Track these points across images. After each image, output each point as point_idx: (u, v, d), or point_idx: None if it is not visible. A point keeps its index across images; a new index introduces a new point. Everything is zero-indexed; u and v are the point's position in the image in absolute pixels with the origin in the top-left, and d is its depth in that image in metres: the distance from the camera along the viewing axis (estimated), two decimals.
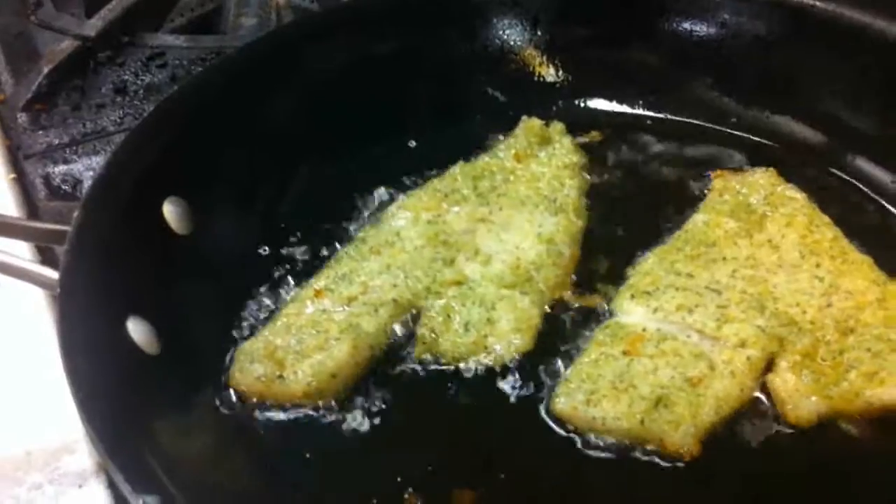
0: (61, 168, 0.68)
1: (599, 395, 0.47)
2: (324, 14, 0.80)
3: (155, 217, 0.54)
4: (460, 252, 0.56)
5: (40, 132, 0.72)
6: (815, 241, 0.55)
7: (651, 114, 0.67)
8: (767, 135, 0.65)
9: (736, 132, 0.65)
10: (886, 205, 0.60)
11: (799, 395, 0.48)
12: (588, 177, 0.63)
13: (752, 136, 0.65)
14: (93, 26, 0.79)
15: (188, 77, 0.75)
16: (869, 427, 0.48)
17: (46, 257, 0.60)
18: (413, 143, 0.65)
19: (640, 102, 0.67)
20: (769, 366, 0.50)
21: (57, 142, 0.71)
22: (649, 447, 0.47)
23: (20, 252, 0.57)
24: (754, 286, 0.53)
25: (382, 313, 0.53)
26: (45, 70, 0.76)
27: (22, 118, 0.74)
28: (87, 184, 0.69)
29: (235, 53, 0.67)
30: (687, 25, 0.65)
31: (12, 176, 0.68)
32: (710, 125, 0.66)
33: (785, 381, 0.48)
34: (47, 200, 0.65)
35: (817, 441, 0.48)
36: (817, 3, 0.63)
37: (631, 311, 0.52)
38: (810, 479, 0.46)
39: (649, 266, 0.55)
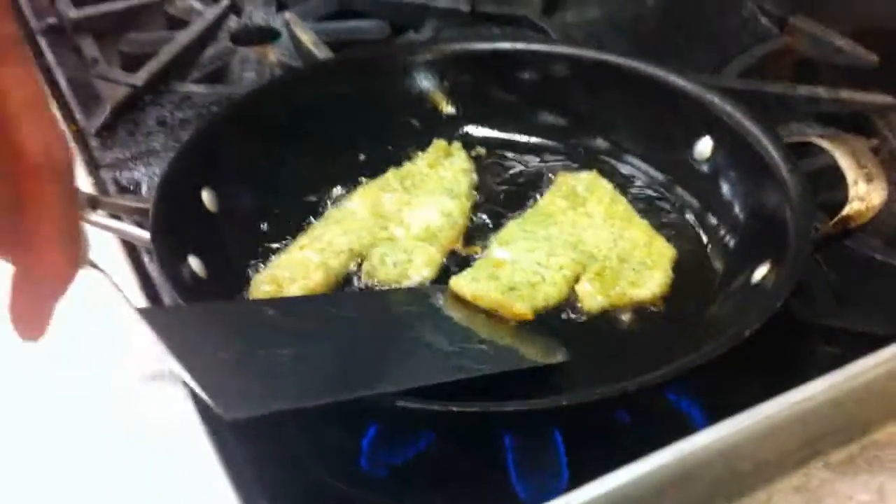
0: (126, 174, 0.88)
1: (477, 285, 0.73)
2: (304, 68, 1.02)
3: (198, 199, 0.75)
4: (391, 222, 0.80)
5: (108, 151, 0.91)
6: (614, 211, 0.81)
7: (517, 136, 0.90)
8: (592, 149, 0.88)
9: (574, 147, 0.88)
10: (661, 189, 0.84)
11: (591, 295, 0.73)
12: (476, 177, 0.87)
13: (583, 150, 0.88)
14: (140, 77, 0.98)
15: (209, 113, 0.95)
16: (633, 315, 0.73)
17: None
18: (362, 157, 0.87)
19: (510, 128, 0.90)
20: (577, 280, 0.75)
21: (120, 157, 0.90)
22: (502, 312, 0.71)
23: None
24: (572, 237, 0.78)
25: (342, 257, 0.76)
26: (108, 109, 0.94)
27: (94, 142, 0.92)
28: (144, 184, 0.86)
29: (244, 95, 0.87)
30: (526, 75, 0.88)
31: (92, 181, 0.85)
32: (554, 143, 0.89)
33: (584, 288, 0.74)
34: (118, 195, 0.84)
35: (602, 322, 0.72)
36: (611, 57, 0.85)
37: (497, 253, 0.77)
38: (596, 345, 0.70)
39: (509, 228, 0.80)
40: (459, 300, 0.73)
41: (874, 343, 0.57)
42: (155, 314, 0.49)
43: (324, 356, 0.55)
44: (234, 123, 0.82)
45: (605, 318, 0.73)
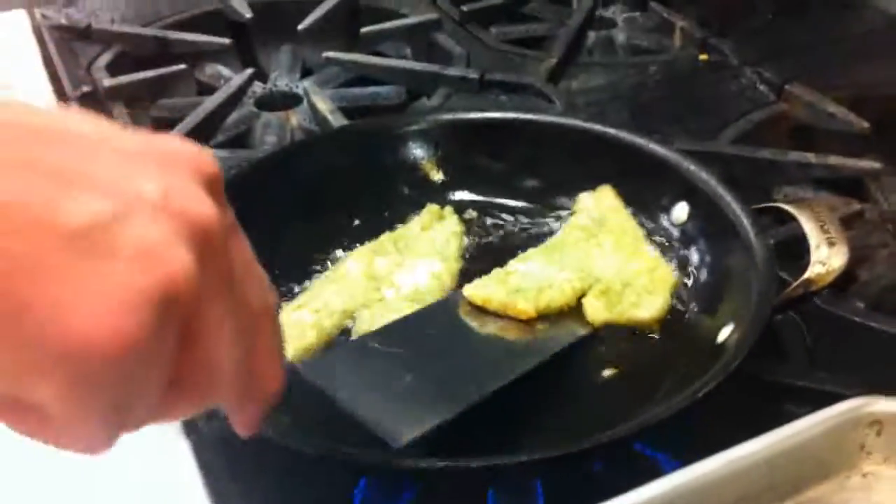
0: None
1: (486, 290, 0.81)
2: (314, 137, 1.09)
3: None
4: (383, 283, 0.85)
5: None
6: (624, 241, 0.86)
7: (502, 200, 0.94)
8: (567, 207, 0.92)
9: (555, 209, 0.93)
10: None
11: (596, 311, 0.79)
12: (466, 239, 0.91)
13: (567, 212, 0.92)
14: None
15: (228, 175, 1.00)
16: (630, 331, 0.78)
17: None
18: (357, 222, 0.92)
19: (496, 193, 0.94)
20: (583, 294, 0.80)
21: None
22: (508, 312, 0.78)
23: None
24: (584, 262, 0.84)
25: (335, 317, 0.81)
26: None
27: None
28: None
29: (251, 164, 0.93)
30: (513, 144, 0.93)
31: None
32: (538, 205, 0.93)
33: (590, 304, 0.80)
34: None
35: (604, 333, 0.78)
36: (595, 127, 0.91)
37: (511, 265, 0.85)
38: (599, 357, 0.76)
39: (527, 252, 0.87)
40: (474, 307, 0.81)
41: None
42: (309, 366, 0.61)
43: (433, 373, 0.65)
44: (241, 190, 0.83)
45: (611, 330, 0.80)
